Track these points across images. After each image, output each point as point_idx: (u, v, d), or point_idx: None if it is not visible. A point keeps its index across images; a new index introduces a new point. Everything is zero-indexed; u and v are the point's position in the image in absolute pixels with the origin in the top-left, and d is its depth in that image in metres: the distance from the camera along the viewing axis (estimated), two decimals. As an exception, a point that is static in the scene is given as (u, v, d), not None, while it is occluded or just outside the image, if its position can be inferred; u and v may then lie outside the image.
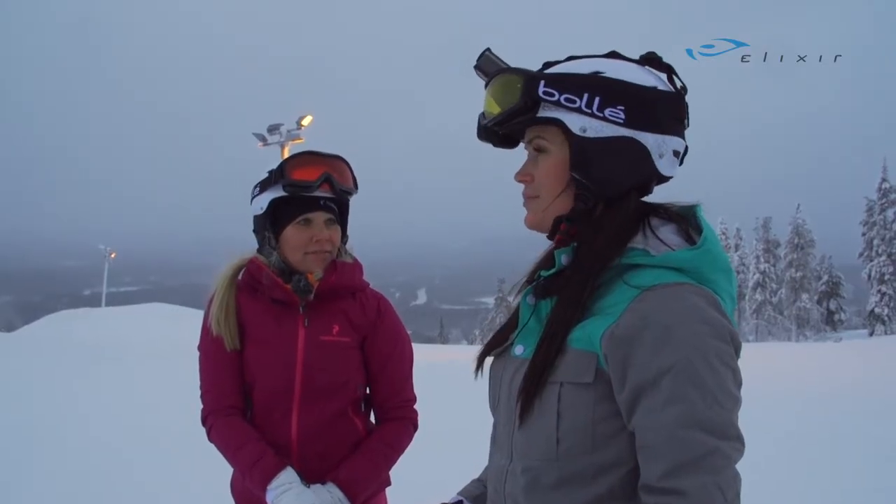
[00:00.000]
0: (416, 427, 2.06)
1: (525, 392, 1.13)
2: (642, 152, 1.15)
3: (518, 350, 1.20)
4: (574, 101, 1.13)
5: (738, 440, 1.03)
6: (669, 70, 1.20)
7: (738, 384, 1.06)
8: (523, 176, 1.24)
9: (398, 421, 2.02)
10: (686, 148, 1.22)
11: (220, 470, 2.07)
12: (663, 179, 1.22)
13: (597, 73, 1.16)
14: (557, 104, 1.15)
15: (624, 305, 1.08)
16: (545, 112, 1.16)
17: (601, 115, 1.13)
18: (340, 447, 1.92)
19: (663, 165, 1.17)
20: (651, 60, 1.20)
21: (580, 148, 1.15)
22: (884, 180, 36.78)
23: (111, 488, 4.99)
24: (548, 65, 1.21)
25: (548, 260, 1.27)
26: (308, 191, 1.88)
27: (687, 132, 1.23)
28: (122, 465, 5.63)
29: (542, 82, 1.15)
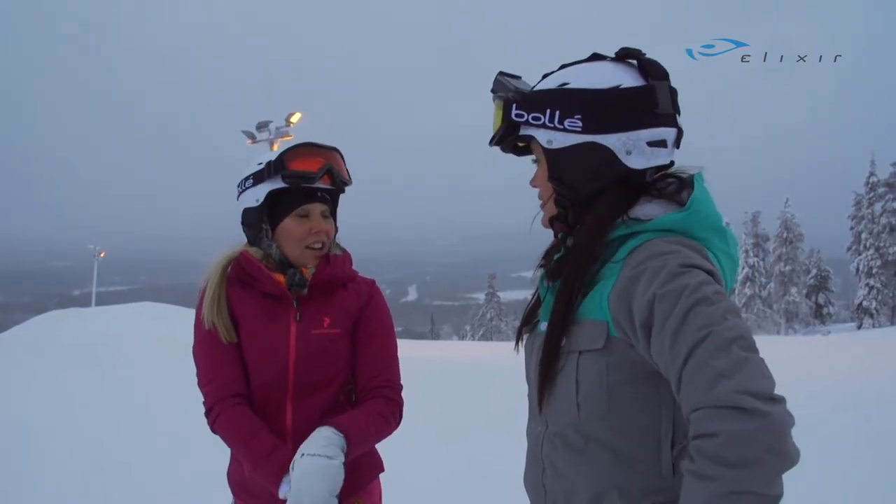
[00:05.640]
0: (400, 417, 1.95)
1: (542, 364, 1.24)
2: (606, 154, 1.23)
3: (543, 326, 1.31)
4: (539, 118, 1.26)
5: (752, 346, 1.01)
6: (640, 61, 1.26)
7: (735, 311, 1.05)
8: (531, 183, 1.38)
9: (384, 399, 1.92)
10: (678, 132, 1.27)
11: (217, 466, 2.07)
12: (663, 168, 1.29)
13: (562, 84, 1.26)
14: (528, 123, 1.28)
15: (619, 266, 1.17)
16: (524, 130, 1.30)
17: (562, 126, 1.24)
18: None
19: (635, 160, 1.23)
20: (624, 56, 1.27)
21: (551, 159, 1.28)
22: (871, 174, 37.03)
23: (106, 487, 4.97)
24: (546, 76, 1.32)
25: (559, 244, 1.38)
26: (309, 182, 1.88)
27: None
28: (117, 463, 5.60)
29: (514, 105, 1.28)
